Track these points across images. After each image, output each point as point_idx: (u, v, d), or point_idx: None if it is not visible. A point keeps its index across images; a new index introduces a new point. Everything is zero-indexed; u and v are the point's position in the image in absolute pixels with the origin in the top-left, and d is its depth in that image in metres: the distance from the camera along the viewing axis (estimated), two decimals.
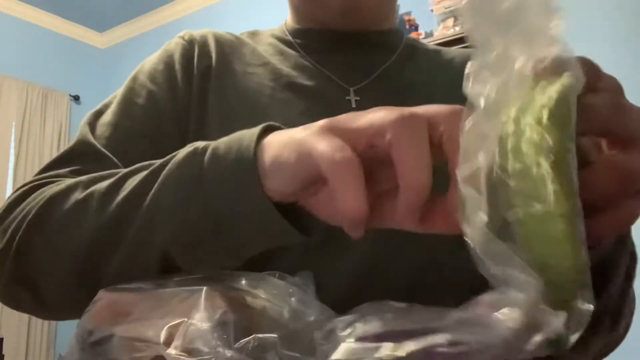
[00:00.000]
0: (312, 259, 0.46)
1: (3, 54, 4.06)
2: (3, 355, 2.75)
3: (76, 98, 4.46)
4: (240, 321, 0.30)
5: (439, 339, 0.27)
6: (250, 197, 0.34)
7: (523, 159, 0.25)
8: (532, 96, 0.26)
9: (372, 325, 0.29)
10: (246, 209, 0.35)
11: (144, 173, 0.40)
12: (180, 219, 0.37)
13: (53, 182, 0.47)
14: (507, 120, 0.27)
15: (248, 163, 0.34)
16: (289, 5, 0.65)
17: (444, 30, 2.58)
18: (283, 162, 0.33)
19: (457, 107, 0.30)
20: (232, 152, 0.36)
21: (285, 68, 0.59)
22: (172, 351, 0.26)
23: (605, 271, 0.42)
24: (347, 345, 0.28)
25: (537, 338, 0.25)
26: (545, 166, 0.25)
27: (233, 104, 0.55)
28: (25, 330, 3.78)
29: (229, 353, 0.26)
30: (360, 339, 0.28)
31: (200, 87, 0.57)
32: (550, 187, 0.24)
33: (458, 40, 2.33)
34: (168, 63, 0.58)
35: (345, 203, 0.29)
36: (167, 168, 0.38)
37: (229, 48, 0.60)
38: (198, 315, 0.29)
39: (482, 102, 0.28)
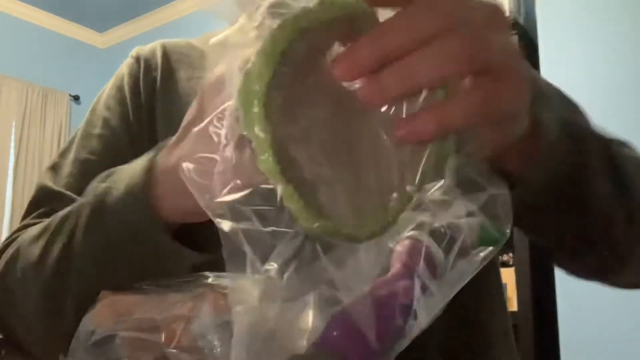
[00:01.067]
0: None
1: (3, 54, 4.06)
2: (3, 357, 2.75)
3: (76, 98, 4.46)
4: None
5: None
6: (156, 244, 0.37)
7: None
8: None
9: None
10: (165, 262, 0.38)
11: (61, 244, 0.42)
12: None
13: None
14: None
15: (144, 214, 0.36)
16: None
17: None
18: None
19: None
20: (124, 218, 0.37)
21: None
22: (174, 350, 0.26)
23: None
24: None
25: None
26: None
27: (179, 112, 0.58)
28: None
29: (228, 352, 0.26)
30: None
31: (148, 103, 0.57)
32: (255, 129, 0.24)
33: None
34: (119, 86, 0.59)
35: None
36: (76, 237, 0.40)
37: (176, 56, 0.60)
38: (201, 315, 0.29)
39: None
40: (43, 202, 0.55)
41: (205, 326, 0.28)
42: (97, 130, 0.57)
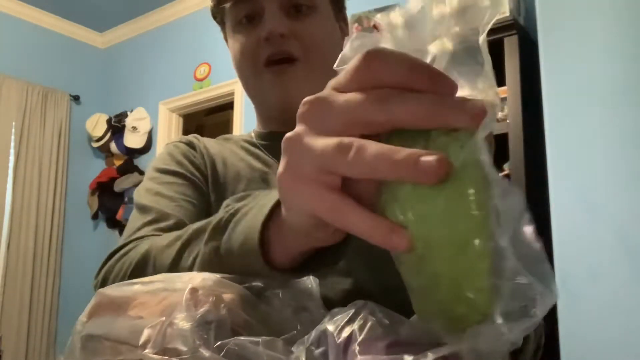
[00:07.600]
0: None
1: (3, 54, 4.06)
2: (2, 351, 2.75)
3: (76, 98, 4.46)
4: (223, 321, 0.29)
5: (445, 350, 0.27)
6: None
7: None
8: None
9: (374, 332, 0.29)
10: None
11: (189, 262, 0.47)
12: None
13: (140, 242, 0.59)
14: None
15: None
16: (256, 114, 0.86)
17: None
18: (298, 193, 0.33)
19: None
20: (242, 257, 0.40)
21: (257, 164, 0.78)
22: (148, 352, 0.26)
23: None
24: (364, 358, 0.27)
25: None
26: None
27: (221, 187, 0.75)
28: (26, 329, 3.78)
29: (207, 353, 0.26)
30: (367, 346, 0.28)
31: (203, 173, 0.76)
32: None
33: None
34: (173, 154, 0.77)
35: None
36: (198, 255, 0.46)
37: (212, 149, 0.80)
38: (179, 315, 0.28)
39: None
40: (154, 217, 0.67)
41: (184, 326, 0.27)
42: (168, 178, 0.73)
